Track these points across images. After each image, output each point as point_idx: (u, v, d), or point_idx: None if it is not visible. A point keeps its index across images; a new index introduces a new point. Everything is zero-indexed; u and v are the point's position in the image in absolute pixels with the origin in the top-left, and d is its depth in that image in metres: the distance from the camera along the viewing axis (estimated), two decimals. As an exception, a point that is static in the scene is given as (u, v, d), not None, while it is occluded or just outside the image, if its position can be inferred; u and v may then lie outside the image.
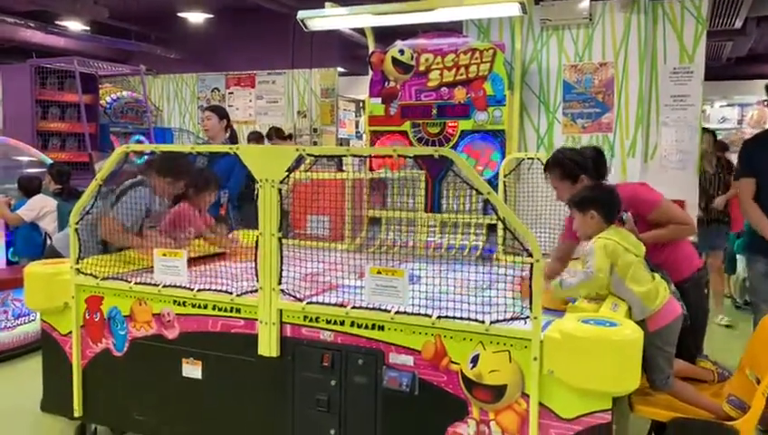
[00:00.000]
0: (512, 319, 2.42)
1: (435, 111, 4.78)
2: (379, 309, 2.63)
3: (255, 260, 2.81)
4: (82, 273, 3.24)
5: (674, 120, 4.89)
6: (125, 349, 3.19)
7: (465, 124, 4.70)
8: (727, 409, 2.75)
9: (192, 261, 3.34)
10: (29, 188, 5.74)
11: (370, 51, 5.06)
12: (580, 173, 3.17)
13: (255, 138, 8.77)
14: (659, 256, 3.12)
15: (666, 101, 4.88)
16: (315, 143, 10.40)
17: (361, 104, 11.88)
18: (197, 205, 4.00)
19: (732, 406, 2.76)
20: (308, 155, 2.74)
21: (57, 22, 9.89)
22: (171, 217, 3.88)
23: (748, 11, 7.49)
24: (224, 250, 4.04)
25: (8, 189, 6.12)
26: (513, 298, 2.55)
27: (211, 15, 10.14)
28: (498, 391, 2.42)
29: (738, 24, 7.98)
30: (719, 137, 9.87)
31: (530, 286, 2.36)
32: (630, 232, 3.08)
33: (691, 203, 4.83)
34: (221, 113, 5.33)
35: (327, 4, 4.93)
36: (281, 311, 2.80)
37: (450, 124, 4.74)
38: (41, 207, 5.56)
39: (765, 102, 3.51)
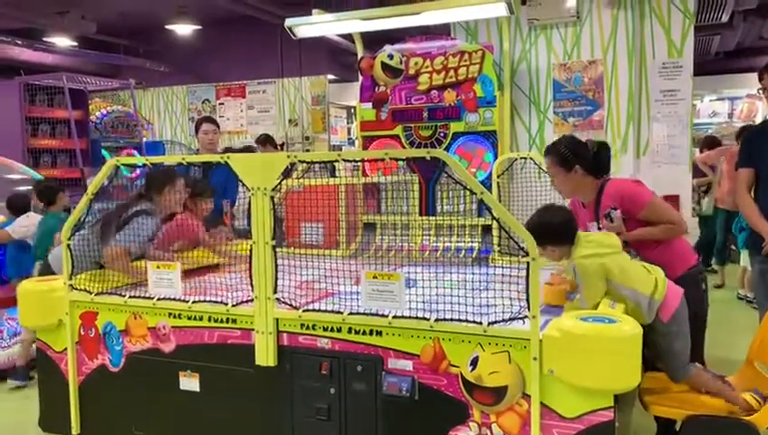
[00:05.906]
0: (510, 319, 2.41)
1: (426, 115, 4.78)
2: (377, 314, 2.61)
3: (250, 270, 2.79)
4: (76, 289, 3.21)
5: (665, 115, 4.90)
6: (121, 364, 3.15)
7: (456, 126, 4.70)
8: (749, 398, 2.70)
9: (188, 273, 3.30)
10: (18, 205, 5.66)
11: (359, 56, 5.06)
12: (574, 163, 3.18)
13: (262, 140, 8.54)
14: (652, 253, 3.10)
15: (656, 97, 4.89)
16: (308, 151, 10.39)
17: (353, 110, 11.88)
18: (196, 213, 3.98)
19: (754, 395, 2.71)
20: (299, 162, 2.72)
21: (44, 38, 9.87)
22: (172, 228, 3.80)
23: (735, 4, 7.52)
24: (219, 261, 3.98)
25: (1, 208, 6.06)
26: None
27: (198, 27, 10.13)
28: (499, 393, 2.40)
29: (725, 18, 8.00)
30: (709, 131, 9.90)
31: (527, 285, 2.34)
32: (617, 228, 3.07)
33: (685, 198, 4.84)
34: (218, 126, 5.35)
35: (314, 11, 4.92)
36: (277, 320, 2.77)
37: (442, 127, 4.74)
38: (31, 225, 5.49)
39: (760, 90, 3.37)
